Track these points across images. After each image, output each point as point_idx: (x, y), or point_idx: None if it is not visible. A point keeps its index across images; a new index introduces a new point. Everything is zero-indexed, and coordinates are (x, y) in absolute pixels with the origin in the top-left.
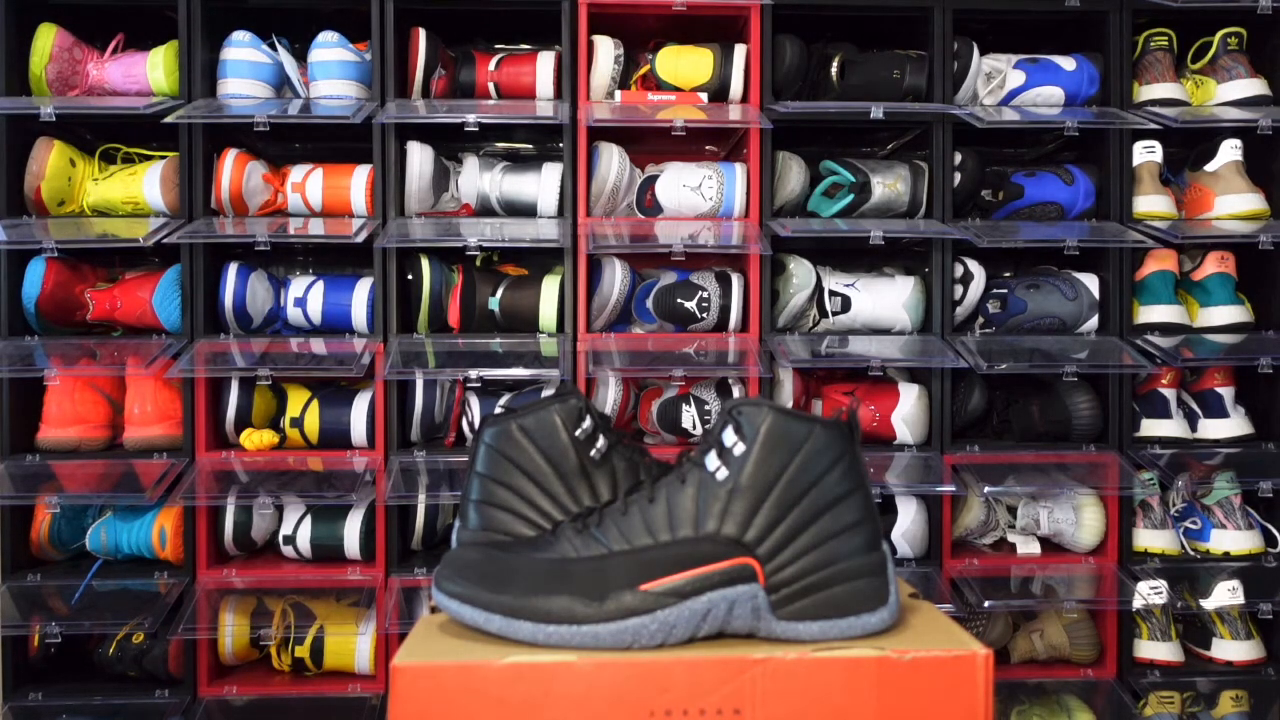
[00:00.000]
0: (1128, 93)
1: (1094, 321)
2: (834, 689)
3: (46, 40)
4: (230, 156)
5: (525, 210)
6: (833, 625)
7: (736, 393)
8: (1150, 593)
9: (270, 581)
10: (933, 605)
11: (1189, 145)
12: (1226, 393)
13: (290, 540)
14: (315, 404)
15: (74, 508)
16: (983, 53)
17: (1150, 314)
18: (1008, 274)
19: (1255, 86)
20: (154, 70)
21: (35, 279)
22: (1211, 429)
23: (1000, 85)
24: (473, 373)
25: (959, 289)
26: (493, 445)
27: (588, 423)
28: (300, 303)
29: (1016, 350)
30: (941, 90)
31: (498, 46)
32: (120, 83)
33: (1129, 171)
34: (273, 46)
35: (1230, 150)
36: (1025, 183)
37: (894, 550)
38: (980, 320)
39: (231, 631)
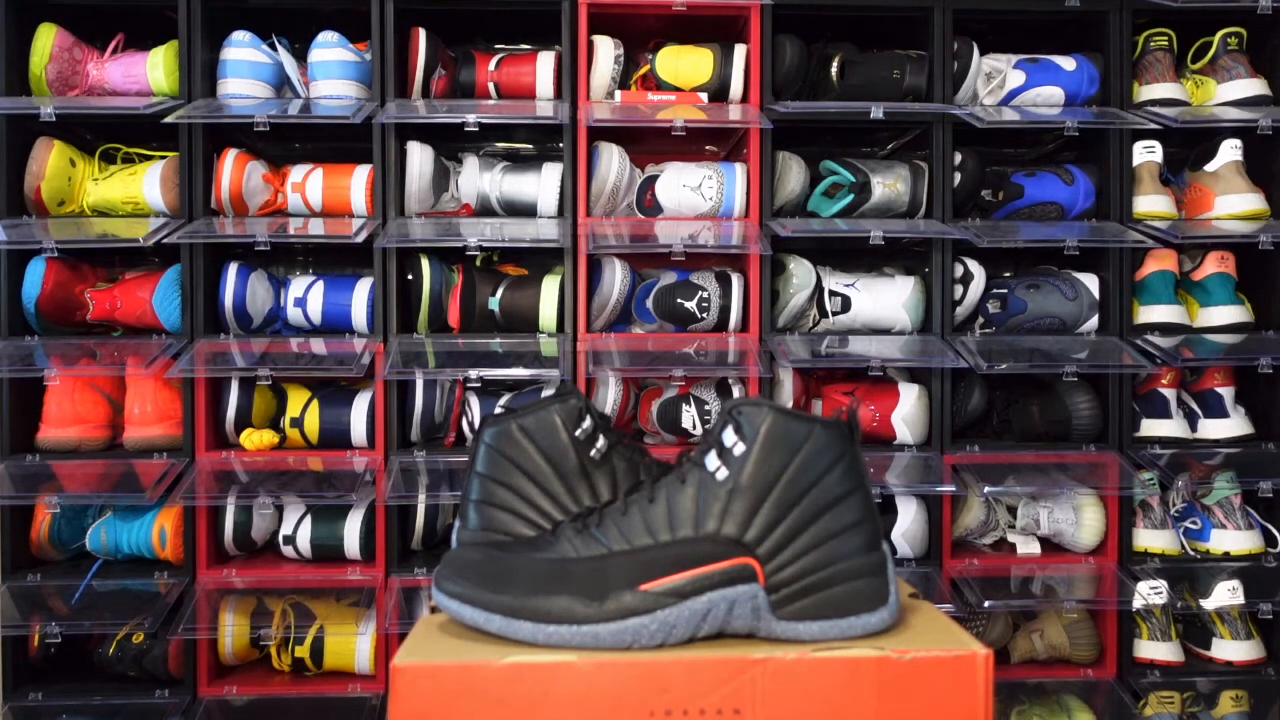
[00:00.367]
0: (1128, 93)
1: (1094, 321)
2: (834, 689)
3: (46, 40)
4: (230, 156)
5: (525, 210)
6: (833, 625)
7: (736, 393)
8: (1150, 593)
9: (270, 581)
10: (933, 605)
11: (1189, 145)
12: (1226, 393)
13: (290, 540)
14: (315, 404)
15: (74, 508)
16: (983, 53)
17: (1150, 314)
18: (1008, 274)
19: (1255, 86)
20: (154, 70)
21: (35, 279)
22: (1211, 429)
23: (1000, 85)
24: (473, 373)
25: (959, 289)
26: (493, 445)
27: (588, 423)
28: (300, 303)
29: (1016, 350)
30: (941, 90)
31: (498, 46)
32: (120, 83)
33: (1129, 171)
34: (273, 46)
35: (1230, 150)
36: (1025, 183)
37: (894, 550)
38: (980, 320)
39: (231, 631)
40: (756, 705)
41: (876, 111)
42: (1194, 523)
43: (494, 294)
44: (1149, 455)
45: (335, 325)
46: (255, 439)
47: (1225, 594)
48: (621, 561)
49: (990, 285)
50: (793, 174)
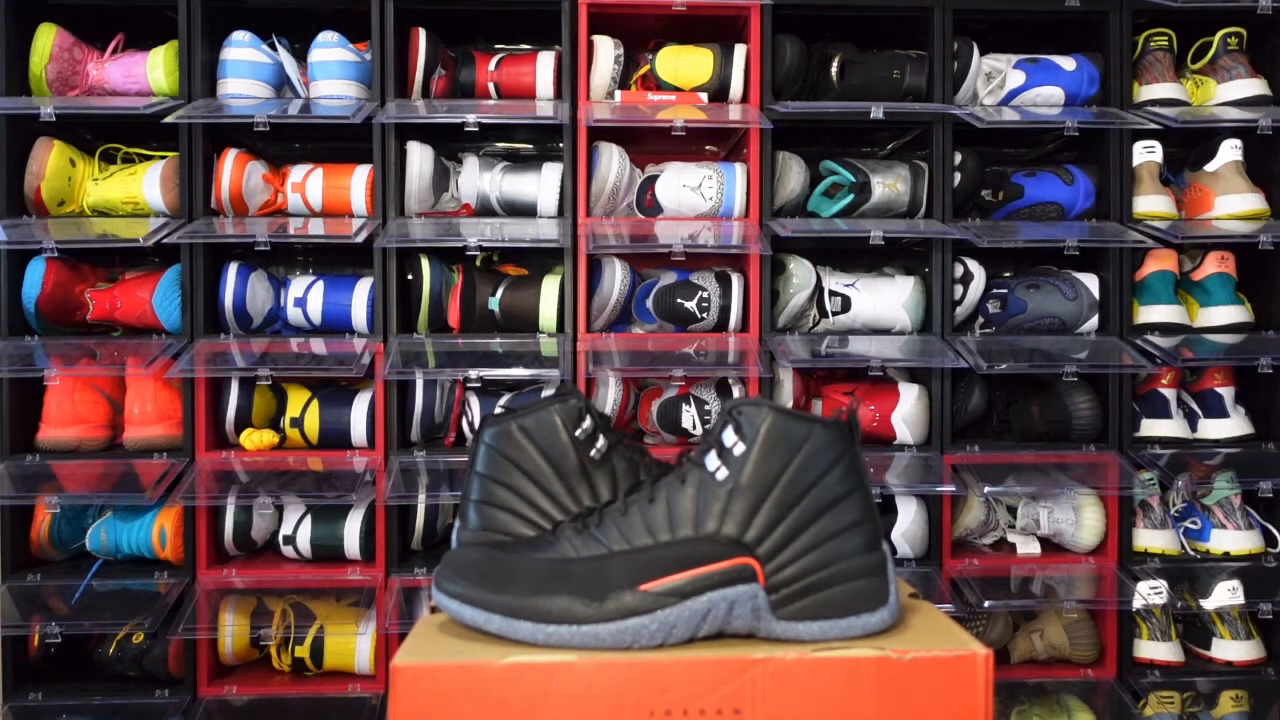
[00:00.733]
0: (1128, 93)
1: (1094, 321)
2: (834, 689)
3: (46, 40)
4: (230, 156)
5: (525, 210)
6: (833, 625)
7: (736, 393)
8: (1150, 593)
9: (270, 581)
10: (933, 605)
11: (1189, 145)
12: (1226, 393)
13: (290, 540)
14: (315, 404)
15: (74, 508)
16: (983, 53)
17: (1150, 314)
18: (1008, 274)
19: (1255, 86)
20: (154, 70)
21: (35, 279)
22: (1211, 429)
23: (1000, 85)
24: (473, 373)
25: (959, 289)
26: (493, 445)
27: (588, 423)
28: (300, 303)
29: (1016, 350)
30: (941, 90)
31: (498, 46)
32: (120, 83)
33: (1129, 171)
34: (273, 46)
35: (1230, 150)
36: (1025, 183)
37: (894, 550)
38: (980, 320)
39: (231, 631)
40: (756, 705)
41: (876, 111)
42: (1194, 523)
43: (494, 294)
44: (1149, 455)
45: (335, 325)
46: (255, 439)
47: (1225, 594)
48: (621, 561)
49: (990, 285)
50: (793, 174)
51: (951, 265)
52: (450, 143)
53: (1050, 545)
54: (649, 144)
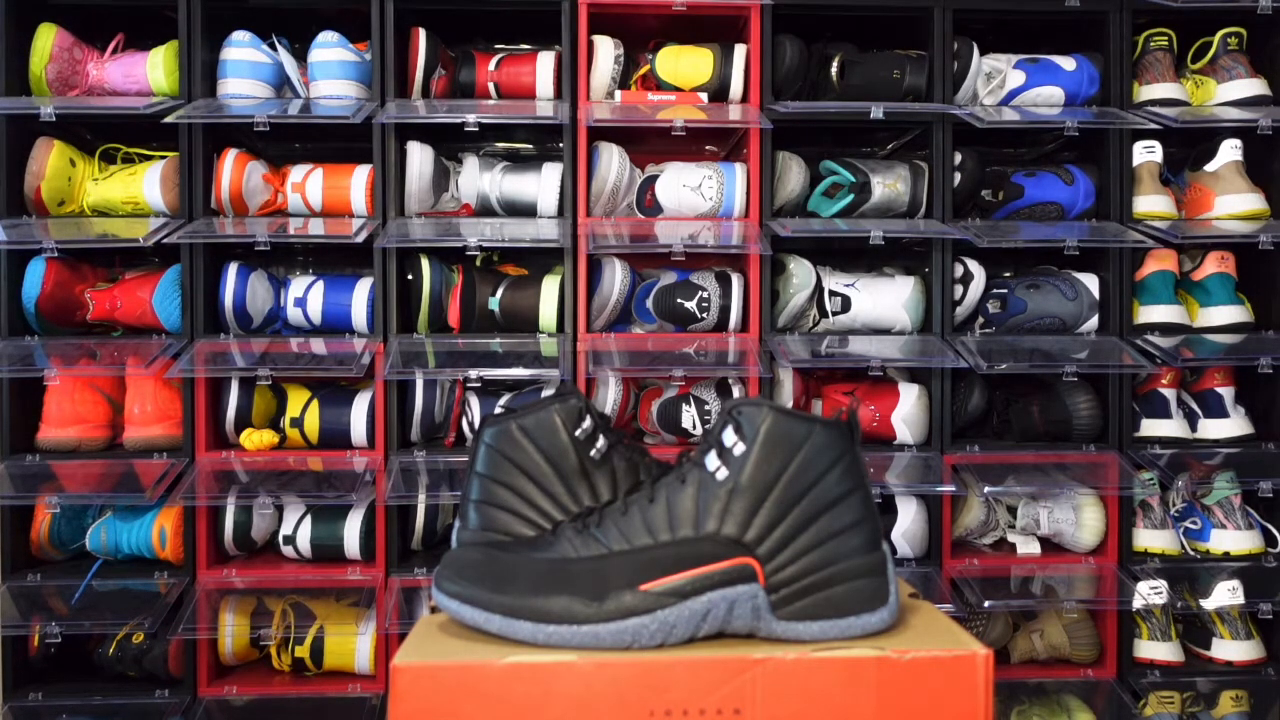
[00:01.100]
0: (1128, 93)
1: (1094, 321)
2: (834, 689)
3: (46, 40)
4: (230, 156)
5: (525, 210)
6: (833, 625)
7: (736, 393)
8: (1150, 593)
9: (270, 581)
10: (933, 605)
11: (1189, 145)
12: (1226, 393)
13: (290, 540)
14: (315, 404)
15: (74, 508)
16: (983, 53)
17: (1150, 314)
18: (1008, 274)
19: (1255, 86)
20: (154, 70)
21: (35, 279)
22: (1211, 429)
23: (1000, 85)
24: (473, 373)
25: (959, 289)
26: (493, 445)
27: (588, 423)
28: (300, 303)
29: (1016, 350)
30: (941, 90)
31: (498, 46)
32: (120, 83)
33: (1129, 171)
34: (273, 46)
35: (1230, 150)
36: (1025, 183)
37: (894, 550)
38: (980, 320)
39: (231, 631)
40: (756, 705)
41: (876, 111)
42: (1194, 523)
43: (494, 294)
44: (1149, 455)
45: (335, 325)
46: (255, 439)
47: (1225, 594)
48: (621, 561)
49: (990, 285)
50: (793, 174)
51: (951, 265)
52: (450, 143)
53: (1050, 545)
54: (649, 144)
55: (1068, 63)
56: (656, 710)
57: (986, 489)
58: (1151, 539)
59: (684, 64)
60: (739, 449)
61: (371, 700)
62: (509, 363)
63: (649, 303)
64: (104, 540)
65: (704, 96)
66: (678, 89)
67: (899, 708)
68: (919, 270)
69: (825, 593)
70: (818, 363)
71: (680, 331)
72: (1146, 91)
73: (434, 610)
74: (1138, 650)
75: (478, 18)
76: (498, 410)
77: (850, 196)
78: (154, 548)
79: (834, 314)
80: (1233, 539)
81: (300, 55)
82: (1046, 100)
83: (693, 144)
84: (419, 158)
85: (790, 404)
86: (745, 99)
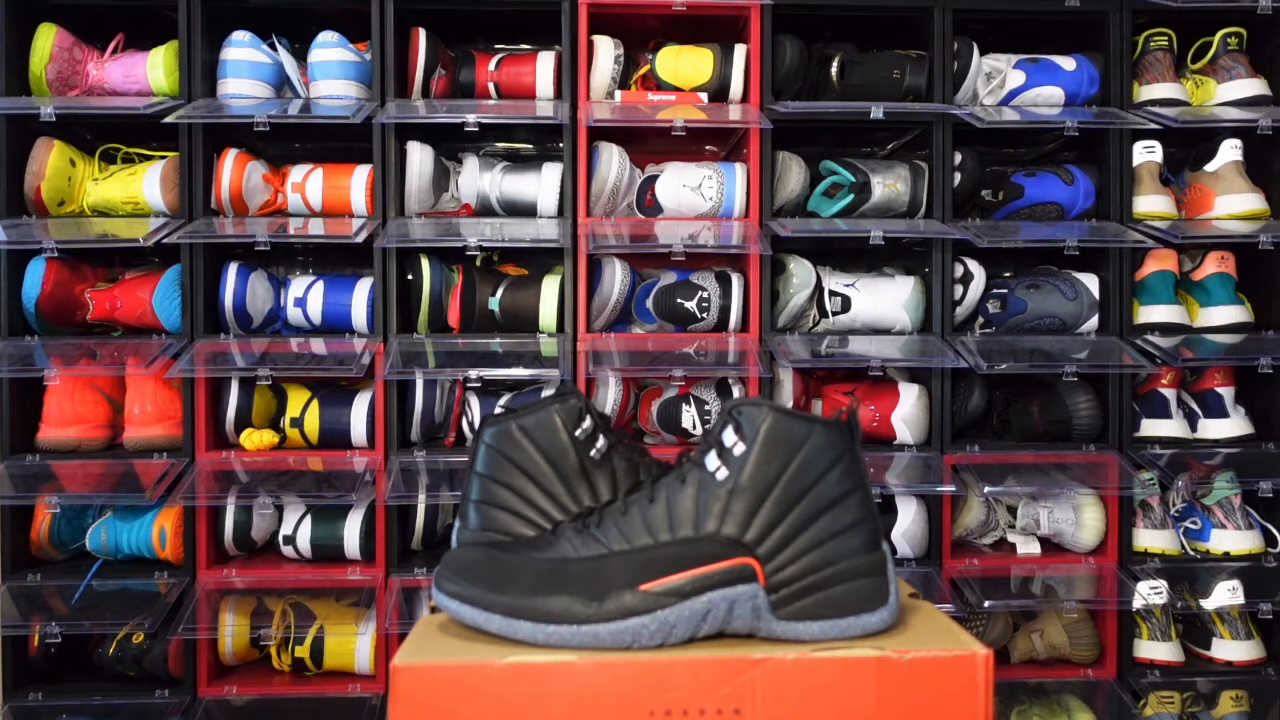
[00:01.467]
0: (1128, 93)
1: (1094, 321)
2: (834, 689)
3: (46, 40)
4: (230, 156)
5: (525, 210)
6: (833, 625)
7: (736, 393)
8: (1150, 593)
9: (270, 581)
10: (933, 605)
11: (1189, 145)
12: (1226, 393)
13: (290, 540)
14: (315, 404)
15: (74, 508)
16: (983, 53)
17: (1150, 314)
18: (1008, 274)
19: (1255, 86)
20: (154, 70)
21: (35, 279)
22: (1211, 429)
23: (1000, 85)
24: (473, 373)
25: (959, 289)
26: (493, 445)
27: (588, 423)
28: (300, 303)
29: (1016, 350)
30: (941, 90)
31: (498, 46)
32: (120, 83)
33: (1129, 171)
34: (273, 46)
35: (1230, 150)
36: (1025, 183)
37: (894, 550)
38: (980, 320)
39: (231, 631)
40: (756, 705)
41: (876, 111)
42: (1194, 523)
43: (494, 294)
44: (1149, 455)
45: (335, 325)
46: (255, 439)
47: (1225, 594)
48: (621, 561)
49: (990, 285)
50: (793, 174)
51: (951, 265)
52: (450, 143)
53: (1050, 545)
54: (649, 144)
55: (1068, 63)
56: (656, 710)
57: (986, 489)
58: (1151, 539)
59: (684, 64)
60: (739, 449)
61: (371, 700)
62: (509, 363)
63: (649, 303)
64: (104, 540)
65: (704, 96)
66: (678, 89)
67: (899, 708)
68: (919, 270)
69: (825, 593)
70: (818, 363)
71: (680, 331)
72: (1146, 91)
73: (434, 610)
74: (1138, 650)
75: (478, 18)
76: (498, 410)
77: (850, 196)
78: (154, 548)
79: (834, 314)
80: (1233, 539)
81: (300, 55)
82: (1046, 100)
83: (693, 144)
84: (419, 158)
85: (790, 404)
86: (745, 99)
